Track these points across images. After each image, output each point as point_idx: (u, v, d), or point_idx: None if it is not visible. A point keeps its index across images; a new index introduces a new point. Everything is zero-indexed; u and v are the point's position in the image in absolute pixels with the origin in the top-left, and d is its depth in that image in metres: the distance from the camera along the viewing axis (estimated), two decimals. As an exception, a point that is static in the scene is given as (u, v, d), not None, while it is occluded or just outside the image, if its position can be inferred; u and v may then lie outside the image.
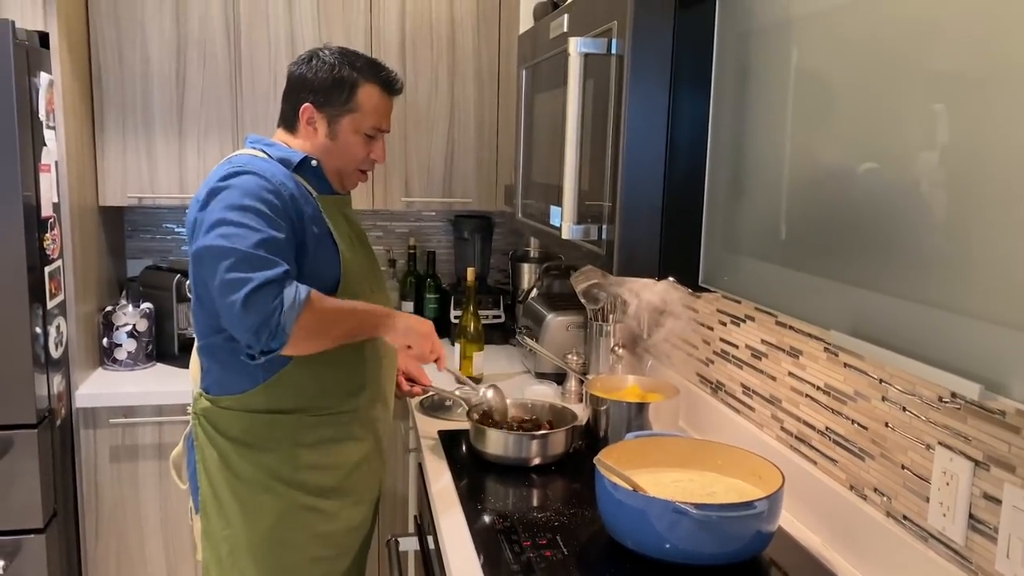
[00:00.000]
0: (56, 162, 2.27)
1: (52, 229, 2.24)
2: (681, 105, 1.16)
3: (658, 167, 1.17)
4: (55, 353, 2.26)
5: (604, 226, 1.24)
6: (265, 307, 1.46)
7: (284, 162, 1.63)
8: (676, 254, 1.20)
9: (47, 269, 2.21)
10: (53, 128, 2.25)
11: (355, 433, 1.71)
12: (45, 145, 2.20)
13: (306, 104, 1.66)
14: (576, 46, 1.23)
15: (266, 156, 1.62)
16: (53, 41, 2.24)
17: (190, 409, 1.70)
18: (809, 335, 1.53)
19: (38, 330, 2.16)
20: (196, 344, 1.68)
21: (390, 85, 1.70)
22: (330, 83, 1.65)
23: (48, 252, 2.22)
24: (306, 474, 1.65)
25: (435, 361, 1.75)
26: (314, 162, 1.66)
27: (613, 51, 1.20)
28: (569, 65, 1.25)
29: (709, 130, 1.16)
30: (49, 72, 2.24)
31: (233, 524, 1.64)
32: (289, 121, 1.70)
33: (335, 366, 1.65)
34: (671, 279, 1.22)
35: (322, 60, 1.66)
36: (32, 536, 2.17)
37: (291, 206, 1.56)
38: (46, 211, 2.20)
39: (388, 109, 1.72)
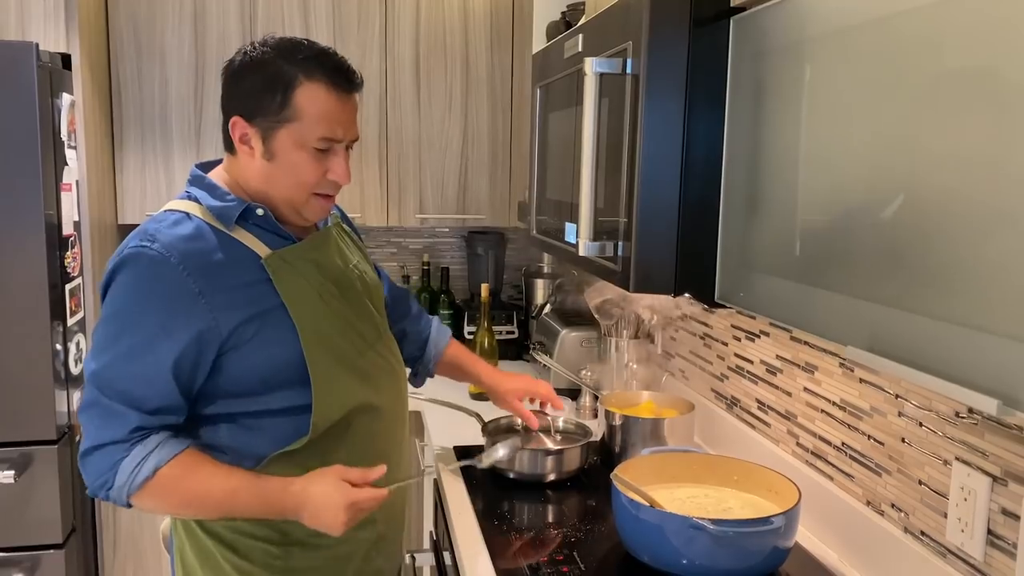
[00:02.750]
0: (77, 181, 2.31)
1: (73, 247, 2.27)
2: (696, 123, 1.18)
3: (674, 184, 1.19)
4: (75, 370, 2.28)
5: (620, 243, 1.25)
6: (97, 474, 1.23)
7: (221, 217, 1.29)
8: (692, 270, 1.21)
9: (67, 287, 2.24)
10: (74, 148, 2.29)
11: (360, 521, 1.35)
12: (67, 164, 2.24)
13: (234, 117, 1.28)
14: (592, 66, 1.25)
15: (199, 209, 1.30)
16: (75, 62, 2.28)
17: None
18: (824, 351, 1.53)
19: (58, 347, 2.18)
20: None
21: (342, 79, 1.29)
22: (260, 86, 1.26)
23: (69, 270, 2.25)
24: (295, 562, 1.37)
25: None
26: (260, 211, 1.31)
27: (628, 71, 1.22)
28: (585, 84, 1.27)
29: (724, 148, 1.17)
30: (71, 93, 2.28)
31: None
32: (228, 142, 1.33)
33: (329, 456, 1.34)
34: (687, 295, 1.23)
35: (249, 57, 1.29)
36: (51, 552, 2.18)
37: (201, 291, 1.23)
38: (67, 229, 2.23)
39: (344, 112, 1.30)
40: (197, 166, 1.39)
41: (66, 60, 2.28)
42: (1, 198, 2.08)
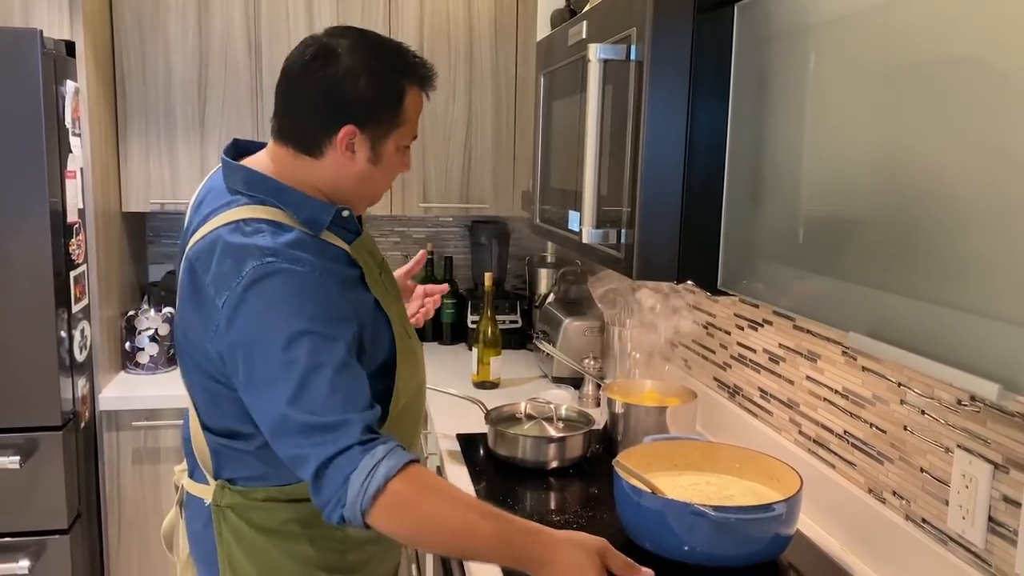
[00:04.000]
0: (81, 168, 2.31)
1: (77, 235, 2.28)
2: (700, 110, 1.18)
3: (677, 172, 1.19)
4: (79, 357, 2.29)
5: (623, 230, 1.25)
6: (331, 492, 1.12)
7: (311, 225, 1.25)
8: (695, 258, 1.21)
9: (72, 274, 2.25)
10: (79, 135, 2.29)
11: None
12: (71, 152, 2.24)
13: (348, 126, 1.24)
14: (596, 52, 1.25)
15: (284, 215, 1.24)
16: (79, 49, 2.28)
17: (207, 501, 1.33)
18: (827, 339, 1.53)
19: (63, 334, 2.19)
20: (200, 423, 1.32)
21: (429, 85, 1.33)
22: (374, 95, 1.24)
23: (73, 257, 2.25)
24: (355, 556, 1.36)
25: None
26: (345, 213, 1.30)
27: (632, 57, 1.21)
28: (588, 71, 1.26)
29: (728, 135, 1.17)
30: (75, 80, 2.28)
31: None
32: (309, 144, 1.26)
33: (401, 432, 1.31)
34: (690, 283, 1.23)
35: (356, 64, 1.23)
36: (57, 537, 2.20)
37: (343, 291, 1.22)
38: (72, 217, 2.24)
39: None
40: (229, 156, 1.32)
41: (70, 47, 2.28)
42: (6, 185, 2.08)
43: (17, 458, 2.12)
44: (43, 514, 2.19)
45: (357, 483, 1.09)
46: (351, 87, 1.23)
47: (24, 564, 2.15)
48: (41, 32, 2.07)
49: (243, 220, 1.22)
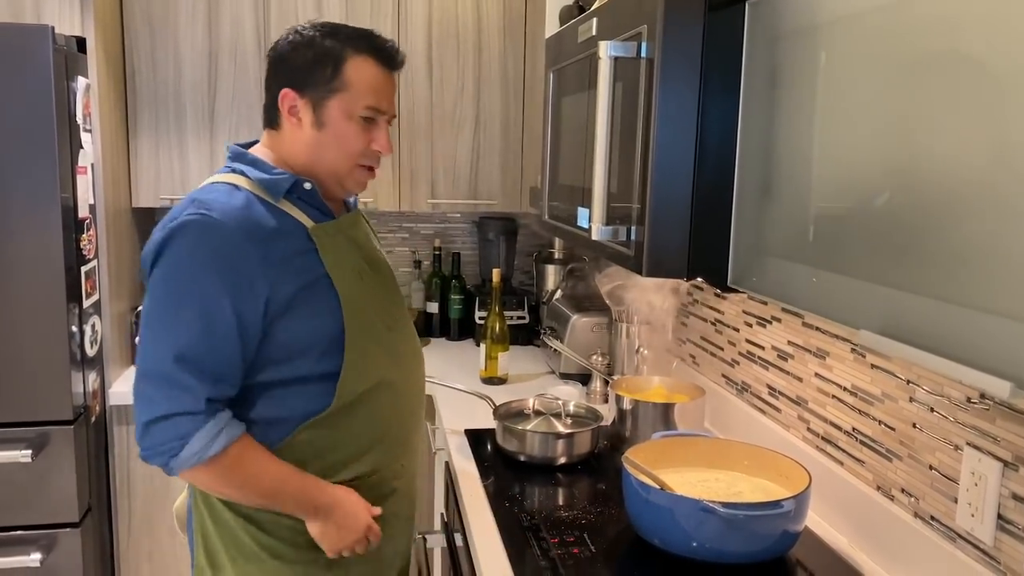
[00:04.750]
0: (92, 164, 2.32)
1: (88, 230, 2.29)
2: (710, 107, 1.18)
3: (687, 169, 1.19)
4: (90, 351, 2.31)
5: (633, 227, 1.26)
6: (162, 442, 1.25)
7: (270, 189, 1.34)
8: (704, 255, 1.21)
9: (83, 269, 2.26)
10: (89, 131, 2.30)
11: (374, 496, 1.43)
12: (82, 148, 2.25)
13: (285, 89, 1.36)
14: (606, 49, 1.25)
15: (247, 182, 1.34)
16: (90, 46, 2.29)
17: None
18: (836, 336, 1.53)
19: (74, 329, 2.20)
20: None
21: (387, 56, 1.38)
22: (310, 60, 1.34)
23: (84, 252, 2.27)
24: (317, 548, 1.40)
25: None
26: (307, 185, 1.37)
27: (643, 55, 1.22)
28: (599, 68, 1.27)
29: (738, 132, 1.17)
30: (86, 76, 2.29)
31: None
32: (271, 116, 1.40)
33: (350, 427, 1.39)
34: (699, 280, 1.23)
35: (300, 35, 1.38)
36: (68, 530, 2.21)
37: (262, 258, 1.28)
38: (83, 212, 2.25)
39: (387, 87, 1.39)
40: (236, 145, 1.44)
41: (81, 43, 2.29)
42: (18, 181, 2.10)
43: (29, 452, 2.14)
44: (54, 507, 2.20)
45: (197, 445, 1.24)
46: (291, 56, 1.37)
47: (36, 557, 2.16)
48: (52, 29, 2.08)
49: (213, 182, 1.36)
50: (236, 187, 1.33)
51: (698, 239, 1.21)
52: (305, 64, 1.35)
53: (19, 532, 2.19)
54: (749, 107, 1.15)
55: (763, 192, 1.11)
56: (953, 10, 0.76)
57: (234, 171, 1.37)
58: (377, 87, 1.37)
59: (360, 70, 1.35)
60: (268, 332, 1.30)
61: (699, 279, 1.23)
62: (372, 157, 1.40)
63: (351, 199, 1.54)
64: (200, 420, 1.25)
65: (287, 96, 1.36)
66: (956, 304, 0.75)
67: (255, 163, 1.37)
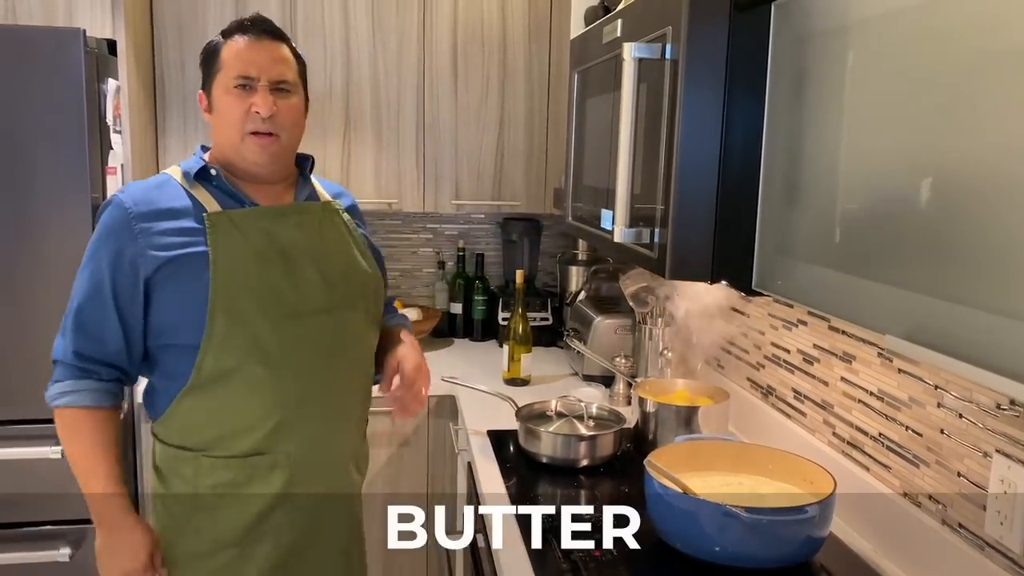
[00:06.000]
0: (122, 164, 2.36)
1: (117, 230, 2.32)
2: (735, 109, 1.17)
3: (711, 171, 1.18)
4: (119, 349, 2.33)
5: (656, 230, 1.25)
6: (51, 378, 1.45)
7: (185, 175, 1.48)
8: (729, 258, 1.20)
9: (112, 268, 2.29)
10: (119, 132, 2.34)
11: (260, 476, 1.46)
12: (112, 148, 2.28)
13: (199, 92, 1.52)
14: (631, 51, 1.25)
15: (177, 170, 1.50)
16: (120, 48, 2.32)
17: None
18: (862, 340, 1.52)
19: (103, 327, 2.23)
20: None
21: (249, 27, 1.46)
22: (203, 59, 1.50)
23: (113, 252, 2.30)
24: (202, 520, 1.48)
25: None
26: (213, 171, 1.47)
27: (667, 56, 1.21)
28: (623, 70, 1.26)
29: (763, 134, 1.16)
30: (116, 78, 2.32)
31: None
32: None
33: (226, 403, 1.44)
34: (724, 283, 1.22)
35: None
36: (96, 525, 2.24)
37: (141, 231, 1.40)
38: (112, 212, 2.28)
39: (255, 54, 1.44)
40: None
41: (112, 46, 2.32)
42: (48, 181, 2.13)
43: (59, 448, 2.16)
44: (83, 503, 2.22)
45: (52, 392, 1.43)
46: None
47: (65, 552, 2.19)
48: (84, 31, 2.11)
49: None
50: (167, 174, 1.50)
51: (722, 241, 1.20)
52: (202, 65, 1.50)
53: (48, 527, 2.23)
54: (775, 109, 1.14)
55: (788, 194, 1.11)
56: (983, 11, 0.74)
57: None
58: (244, 57, 1.44)
59: (230, 49, 1.45)
60: (150, 299, 1.42)
61: (723, 282, 1.22)
62: (255, 121, 1.44)
63: (304, 189, 1.57)
64: (66, 371, 1.43)
65: (200, 97, 1.51)
66: (984, 309, 0.74)
67: (196, 154, 1.52)
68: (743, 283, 1.20)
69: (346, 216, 1.61)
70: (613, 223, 1.33)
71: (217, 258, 1.41)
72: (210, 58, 1.48)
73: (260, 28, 1.48)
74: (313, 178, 1.61)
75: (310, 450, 1.50)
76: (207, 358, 1.41)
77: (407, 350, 1.58)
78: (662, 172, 1.23)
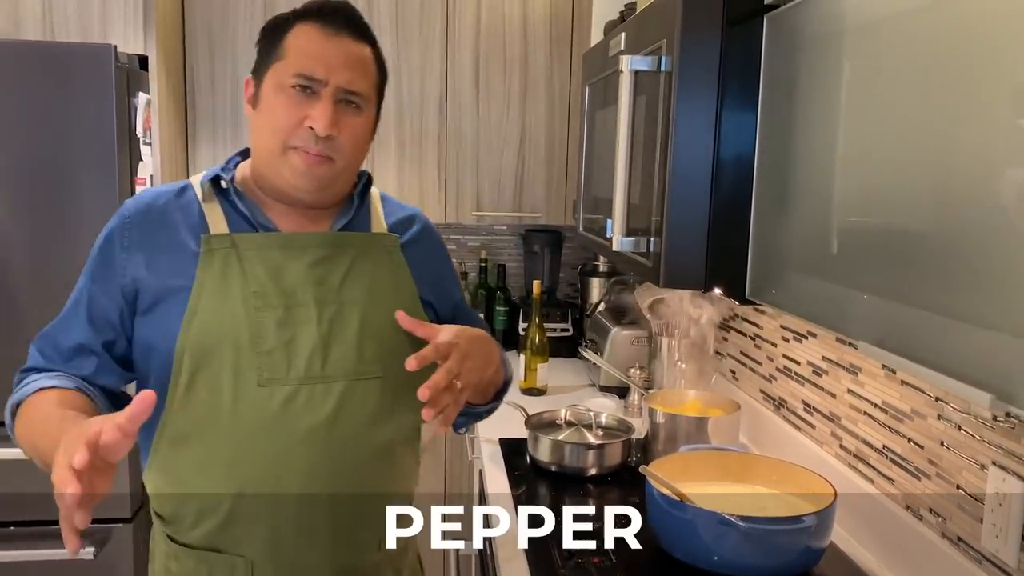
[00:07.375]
0: (151, 176, 2.43)
1: (146, 238, 2.40)
2: (728, 120, 1.18)
3: (704, 181, 1.20)
4: (146, 354, 2.40)
5: (652, 239, 1.27)
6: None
7: (202, 186, 1.22)
8: (723, 267, 1.21)
9: (140, 276, 2.36)
10: (149, 144, 2.41)
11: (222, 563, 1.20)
12: (141, 160, 2.36)
13: (246, 78, 1.22)
14: (627, 64, 1.27)
15: (196, 178, 1.26)
16: (152, 64, 2.41)
17: None
18: (868, 352, 1.51)
19: (131, 332, 2.30)
20: None
21: (330, 17, 1.16)
22: (262, 36, 1.19)
23: (142, 260, 2.37)
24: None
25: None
26: (224, 183, 1.21)
27: (662, 68, 1.23)
28: (620, 82, 1.28)
29: (756, 145, 1.17)
30: (147, 92, 2.40)
31: None
32: None
33: (191, 471, 1.19)
34: (718, 291, 1.23)
35: None
36: (121, 525, 2.31)
37: (130, 246, 1.18)
38: (141, 221, 2.36)
39: (328, 50, 1.14)
40: None
41: (143, 61, 2.40)
42: (79, 193, 2.21)
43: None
44: (107, 503, 2.24)
45: (13, 398, 1.15)
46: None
47: (89, 551, 2.26)
48: (115, 47, 2.19)
49: None
50: (190, 181, 1.24)
51: (716, 250, 1.21)
52: (259, 43, 1.20)
53: (75, 526, 2.29)
54: (768, 119, 1.15)
55: (781, 205, 1.11)
56: (980, 18, 0.74)
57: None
58: (312, 52, 1.13)
59: (298, 35, 1.15)
60: (134, 325, 1.19)
61: (717, 290, 1.23)
62: (307, 138, 1.13)
63: (346, 214, 1.25)
64: (19, 374, 1.20)
65: (247, 84, 1.21)
66: (959, 319, 0.74)
67: (230, 160, 1.27)
68: (737, 292, 1.21)
69: (399, 256, 1.28)
70: (612, 232, 1.34)
71: (200, 297, 1.15)
72: (271, 39, 1.17)
73: (343, 18, 1.17)
74: (379, 198, 1.32)
75: (280, 561, 1.18)
76: (168, 415, 1.17)
77: (458, 328, 1.19)
78: (657, 182, 1.25)
